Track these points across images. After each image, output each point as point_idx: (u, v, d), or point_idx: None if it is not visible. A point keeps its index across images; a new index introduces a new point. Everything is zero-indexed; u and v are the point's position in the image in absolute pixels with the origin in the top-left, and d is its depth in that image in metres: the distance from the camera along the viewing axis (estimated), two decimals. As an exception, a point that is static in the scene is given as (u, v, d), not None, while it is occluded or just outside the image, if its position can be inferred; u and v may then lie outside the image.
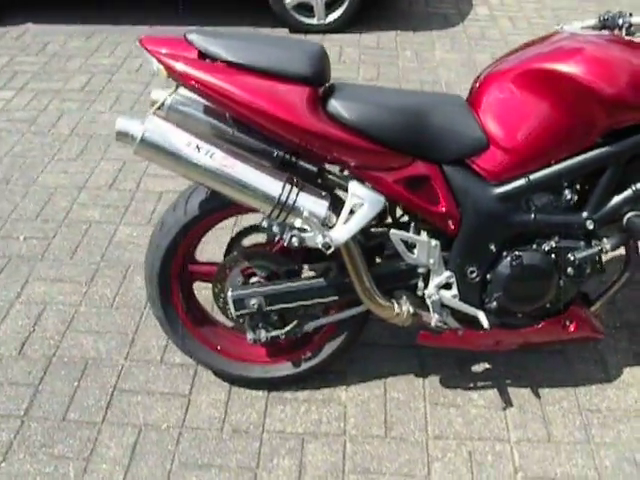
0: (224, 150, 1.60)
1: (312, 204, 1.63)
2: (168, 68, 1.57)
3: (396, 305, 1.79)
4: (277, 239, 1.69)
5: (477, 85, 1.75)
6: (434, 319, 1.81)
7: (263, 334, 1.87)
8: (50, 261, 2.50)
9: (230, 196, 1.64)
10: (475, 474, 1.81)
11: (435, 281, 1.77)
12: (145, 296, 2.26)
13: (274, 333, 1.87)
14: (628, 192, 1.70)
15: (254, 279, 1.87)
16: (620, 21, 1.82)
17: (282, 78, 1.57)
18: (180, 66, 1.55)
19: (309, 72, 1.58)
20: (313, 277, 1.83)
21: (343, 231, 1.65)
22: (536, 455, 1.86)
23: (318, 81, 1.60)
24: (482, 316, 1.77)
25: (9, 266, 2.47)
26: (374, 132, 1.61)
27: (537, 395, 2.02)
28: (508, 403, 2.00)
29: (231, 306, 1.83)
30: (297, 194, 1.61)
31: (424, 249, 1.74)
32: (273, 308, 1.82)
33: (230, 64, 1.57)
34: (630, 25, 1.81)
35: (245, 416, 1.96)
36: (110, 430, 1.91)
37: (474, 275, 1.77)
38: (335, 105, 1.60)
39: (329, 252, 1.64)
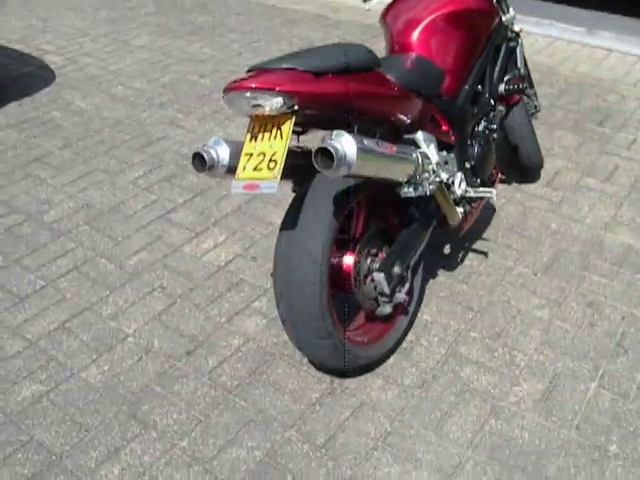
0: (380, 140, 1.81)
1: (432, 156, 2.00)
2: (299, 93, 1.68)
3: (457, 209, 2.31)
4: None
5: (406, 36, 2.29)
6: (463, 210, 2.39)
7: (401, 295, 2.12)
8: None
9: (389, 176, 1.87)
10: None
11: (457, 181, 2.33)
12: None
13: (406, 287, 2.14)
14: (497, 71, 2.59)
15: (370, 260, 2.09)
16: None
17: (372, 71, 1.88)
18: (319, 87, 1.70)
19: (378, 61, 1.91)
20: (408, 223, 2.16)
21: (442, 167, 2.08)
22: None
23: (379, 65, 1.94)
24: (490, 191, 2.41)
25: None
26: (421, 90, 2.06)
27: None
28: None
29: (384, 286, 2.02)
30: (422, 153, 1.96)
31: (451, 162, 2.28)
32: (405, 265, 2.10)
33: (338, 73, 1.78)
34: None
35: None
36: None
37: (467, 166, 2.41)
38: (392, 77, 1.98)
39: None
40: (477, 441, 1.98)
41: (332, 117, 1.83)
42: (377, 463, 1.92)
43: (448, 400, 2.11)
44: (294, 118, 1.72)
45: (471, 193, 2.35)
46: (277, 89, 1.65)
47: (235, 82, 1.73)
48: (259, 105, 1.70)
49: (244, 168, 1.76)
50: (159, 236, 2.86)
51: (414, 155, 1.94)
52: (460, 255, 2.74)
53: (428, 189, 2.01)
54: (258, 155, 1.75)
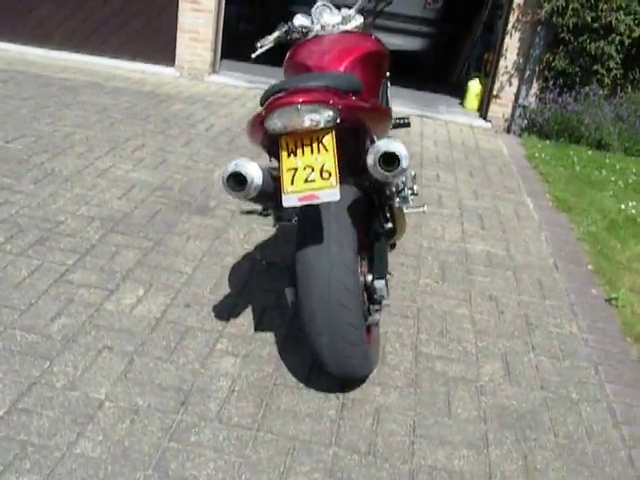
0: None
1: None
2: (346, 107, 1.84)
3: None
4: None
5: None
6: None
7: (386, 302, 2.30)
8: None
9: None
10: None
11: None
12: None
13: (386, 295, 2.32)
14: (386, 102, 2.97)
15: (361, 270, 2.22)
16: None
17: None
18: (356, 103, 1.88)
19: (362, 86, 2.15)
20: (376, 237, 2.34)
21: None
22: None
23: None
24: (423, 205, 2.71)
25: None
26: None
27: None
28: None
29: (385, 291, 2.17)
30: None
31: None
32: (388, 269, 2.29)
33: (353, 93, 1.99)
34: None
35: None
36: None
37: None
38: None
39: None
40: (483, 416, 2.23)
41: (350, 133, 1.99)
42: (423, 453, 2.04)
43: (440, 390, 2.33)
44: (334, 132, 1.84)
45: (405, 209, 2.66)
46: (330, 102, 1.77)
47: (280, 99, 1.80)
48: (307, 119, 1.79)
49: (292, 182, 1.81)
50: (70, 299, 2.53)
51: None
52: (371, 276, 3.00)
53: (409, 200, 2.26)
54: (304, 169, 1.82)
